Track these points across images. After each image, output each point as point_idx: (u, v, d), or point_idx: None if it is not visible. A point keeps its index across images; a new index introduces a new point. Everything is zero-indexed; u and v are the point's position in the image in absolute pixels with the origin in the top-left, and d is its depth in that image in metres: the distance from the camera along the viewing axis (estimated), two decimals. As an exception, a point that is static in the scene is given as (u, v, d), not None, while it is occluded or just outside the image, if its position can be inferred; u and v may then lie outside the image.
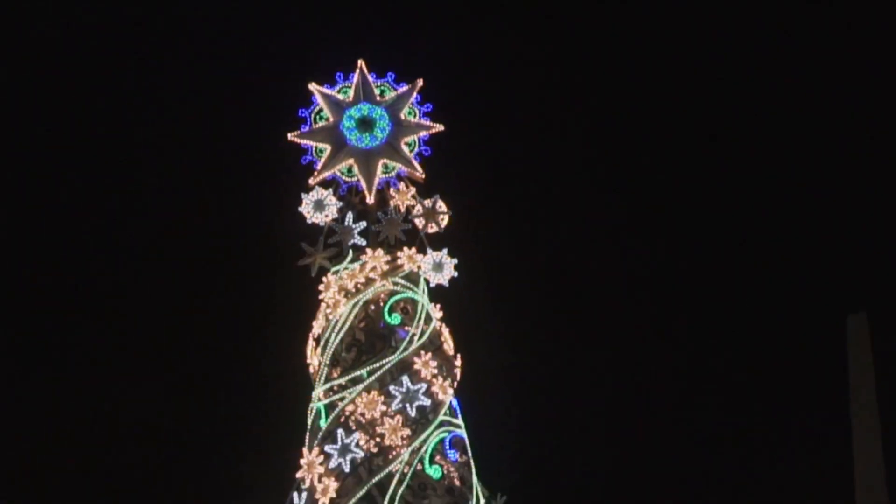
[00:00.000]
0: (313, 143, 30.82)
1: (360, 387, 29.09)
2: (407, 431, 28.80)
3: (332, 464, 28.64)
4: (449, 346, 30.21)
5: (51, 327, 41.69)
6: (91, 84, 42.15)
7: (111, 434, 38.82)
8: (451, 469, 29.37)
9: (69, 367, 39.30)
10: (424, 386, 29.13)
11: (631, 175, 44.06)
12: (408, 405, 29.06)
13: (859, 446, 29.85)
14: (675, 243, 44.03)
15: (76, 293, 41.37)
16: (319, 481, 28.59)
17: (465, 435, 29.76)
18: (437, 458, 29.27)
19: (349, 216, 30.54)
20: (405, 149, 30.98)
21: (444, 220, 30.94)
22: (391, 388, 29.18)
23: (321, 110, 30.92)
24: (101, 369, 39.79)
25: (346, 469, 28.61)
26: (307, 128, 30.83)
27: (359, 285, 30.02)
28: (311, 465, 28.86)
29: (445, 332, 30.33)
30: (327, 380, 29.67)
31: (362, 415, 29.14)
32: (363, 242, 30.48)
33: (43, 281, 40.94)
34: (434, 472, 29.12)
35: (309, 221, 30.41)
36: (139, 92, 41.96)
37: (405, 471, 28.63)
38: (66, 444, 38.37)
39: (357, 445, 28.71)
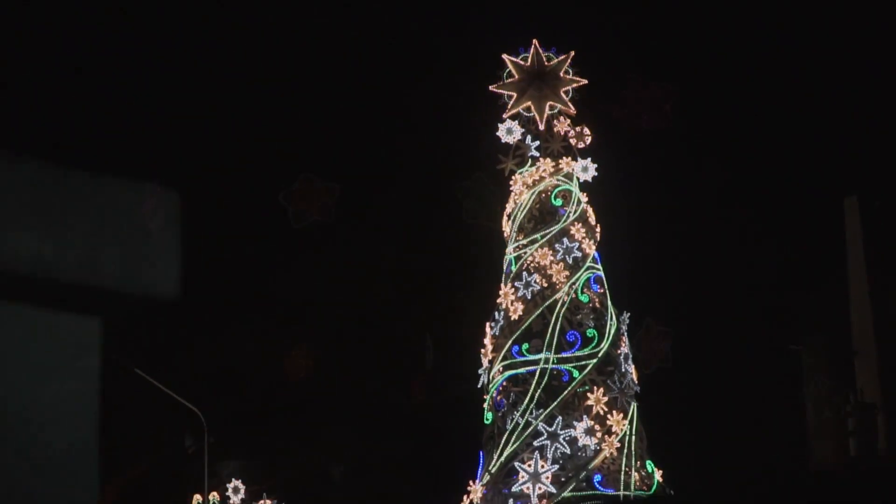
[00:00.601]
0: (505, 92, 35.01)
1: (536, 245, 33.70)
2: (566, 273, 33.24)
3: (519, 294, 33.47)
4: (592, 219, 34.38)
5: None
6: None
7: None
8: (594, 297, 33.64)
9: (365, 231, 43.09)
10: (577, 244, 33.73)
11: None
12: (567, 256, 33.55)
13: (854, 292, 35.76)
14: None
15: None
16: (511, 305, 33.34)
17: (602, 275, 33.94)
18: (585, 289, 33.57)
19: (528, 137, 34.71)
20: (563, 94, 35.01)
21: (588, 140, 34.93)
22: (556, 245, 33.64)
23: (510, 71, 34.94)
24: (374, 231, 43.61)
25: (528, 297, 33.31)
26: (502, 82, 35.04)
27: (535, 181, 34.39)
28: (506, 294, 33.56)
29: (590, 210, 34.44)
30: (515, 240, 34.16)
31: (538, 263, 33.56)
32: (537, 154, 34.61)
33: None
34: (584, 298, 33.46)
35: (503, 141, 34.82)
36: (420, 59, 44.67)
37: (565, 298, 33.10)
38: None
39: (535, 282, 33.27)
